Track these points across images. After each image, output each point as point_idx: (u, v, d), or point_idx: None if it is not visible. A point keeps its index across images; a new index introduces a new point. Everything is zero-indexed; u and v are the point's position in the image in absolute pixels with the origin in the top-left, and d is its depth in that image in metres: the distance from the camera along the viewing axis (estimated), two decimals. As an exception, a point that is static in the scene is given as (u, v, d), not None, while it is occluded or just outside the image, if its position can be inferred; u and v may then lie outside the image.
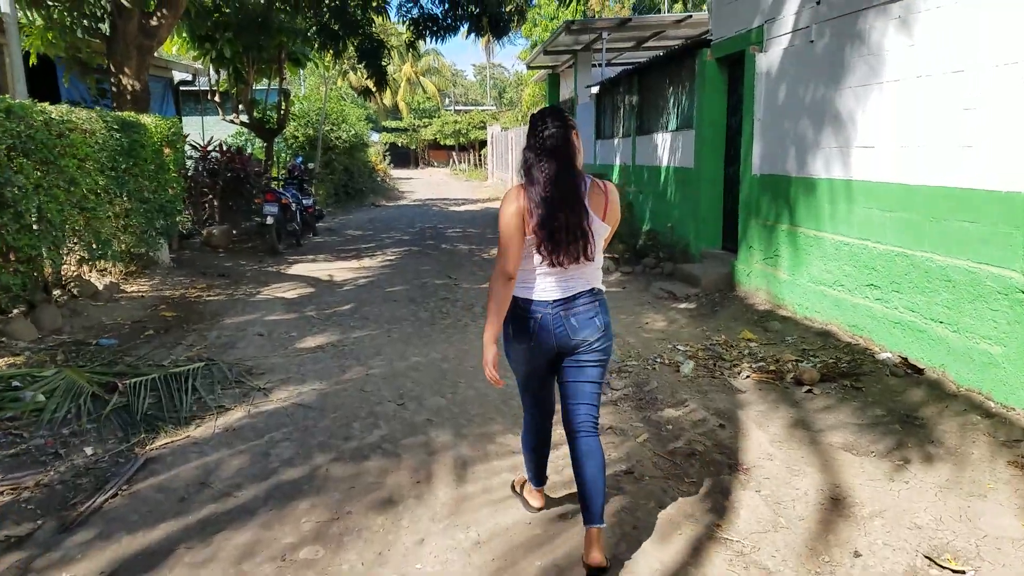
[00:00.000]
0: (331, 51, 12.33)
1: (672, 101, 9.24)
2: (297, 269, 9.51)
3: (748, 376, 4.80)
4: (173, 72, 15.51)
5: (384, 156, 31.58)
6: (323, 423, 4.15)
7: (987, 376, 4.09)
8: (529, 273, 2.59)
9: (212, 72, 13.97)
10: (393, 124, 49.79)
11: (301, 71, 28.06)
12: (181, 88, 16.05)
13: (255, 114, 15.26)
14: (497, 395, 4.51)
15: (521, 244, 2.49)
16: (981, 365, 4.13)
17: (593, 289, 2.63)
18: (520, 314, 2.60)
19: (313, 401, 4.50)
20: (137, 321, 6.55)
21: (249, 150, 17.53)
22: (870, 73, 5.10)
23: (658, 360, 5.23)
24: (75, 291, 6.86)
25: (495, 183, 29.66)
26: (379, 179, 25.52)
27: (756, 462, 3.58)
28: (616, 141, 12.12)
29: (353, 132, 20.18)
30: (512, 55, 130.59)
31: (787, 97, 6.25)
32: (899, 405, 4.20)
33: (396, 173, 35.63)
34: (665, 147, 9.36)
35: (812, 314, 5.83)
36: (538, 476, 3.03)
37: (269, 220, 9.99)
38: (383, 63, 12.54)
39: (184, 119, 16.39)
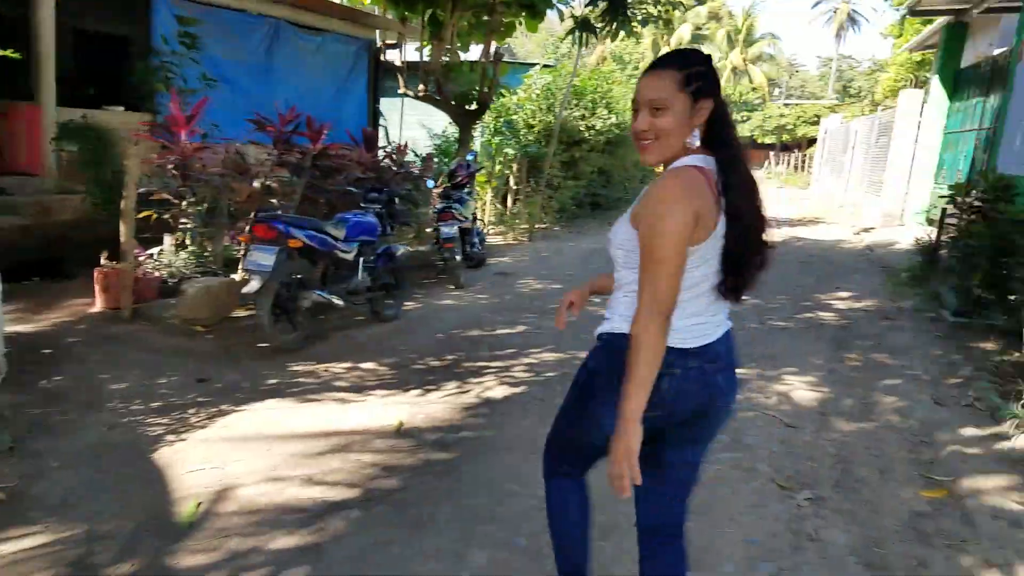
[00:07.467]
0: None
1: None
2: (245, 424, 3.86)
3: None
4: (377, 32, 11.29)
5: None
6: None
7: None
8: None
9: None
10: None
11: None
12: (387, 52, 11.62)
13: (456, 86, 10.46)
14: None
15: None
16: None
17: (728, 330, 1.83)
18: None
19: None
20: None
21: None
22: None
23: None
24: None
25: (820, 193, 21.47)
26: (657, 184, 19.38)
27: None
28: None
29: (614, 120, 14.40)
30: (869, 41, 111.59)
31: None
32: None
33: (693, 176, 29.42)
34: None
35: None
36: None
37: (253, 283, 4.73)
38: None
39: (383, 100, 12.18)
